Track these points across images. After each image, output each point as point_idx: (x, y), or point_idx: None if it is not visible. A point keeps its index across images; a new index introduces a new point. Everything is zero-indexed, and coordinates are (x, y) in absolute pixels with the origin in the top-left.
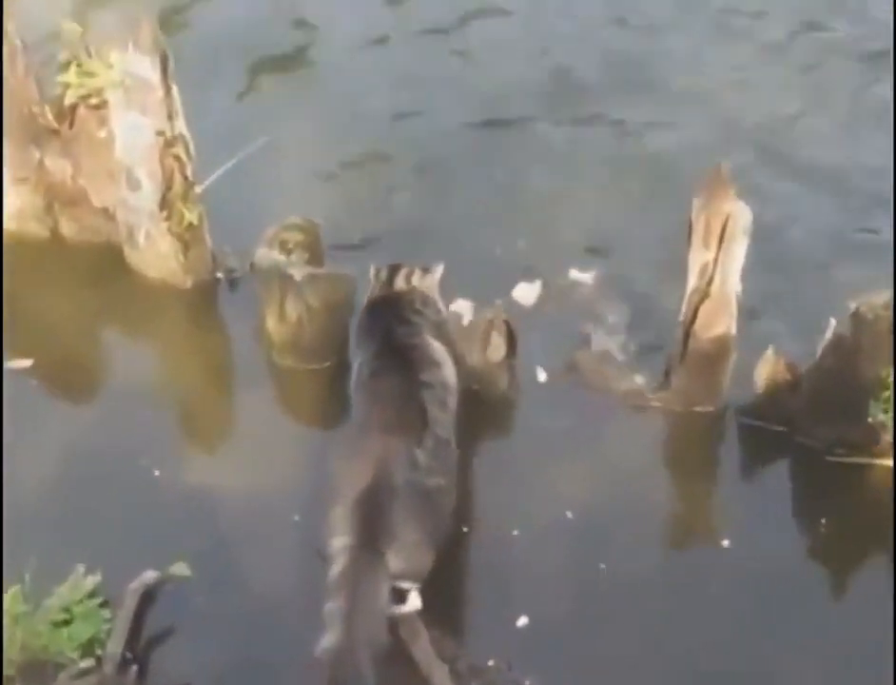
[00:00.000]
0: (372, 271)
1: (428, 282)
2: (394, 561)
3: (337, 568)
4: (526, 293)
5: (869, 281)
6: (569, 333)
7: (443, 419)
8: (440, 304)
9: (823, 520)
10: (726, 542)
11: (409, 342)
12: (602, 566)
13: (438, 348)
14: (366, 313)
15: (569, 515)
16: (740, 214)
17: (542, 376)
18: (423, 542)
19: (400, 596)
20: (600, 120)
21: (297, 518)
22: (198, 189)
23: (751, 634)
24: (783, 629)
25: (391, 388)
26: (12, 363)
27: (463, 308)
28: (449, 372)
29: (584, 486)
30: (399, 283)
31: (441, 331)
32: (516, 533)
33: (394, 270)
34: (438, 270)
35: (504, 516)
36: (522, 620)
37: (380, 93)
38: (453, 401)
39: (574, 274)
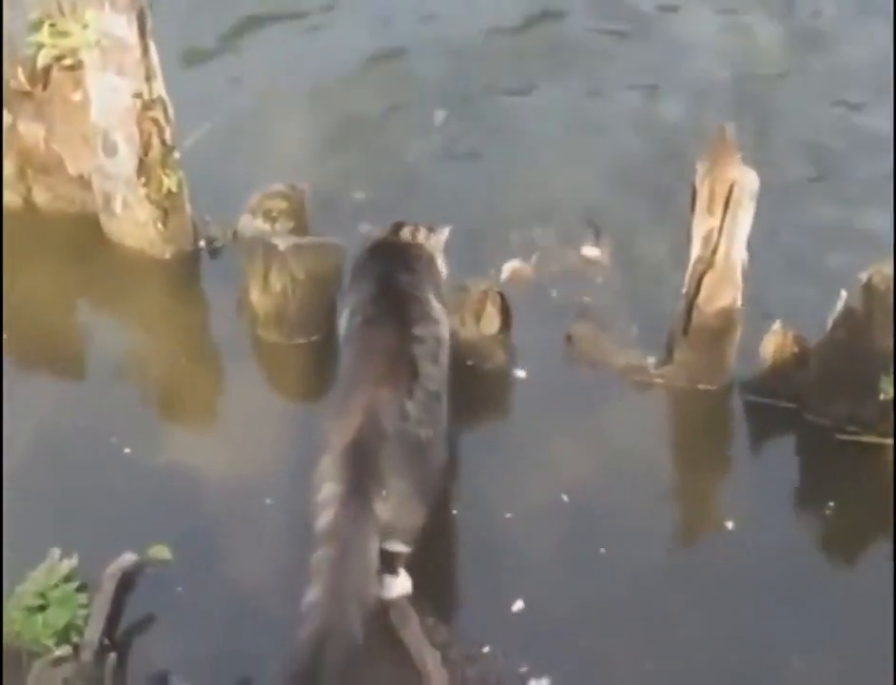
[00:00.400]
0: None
1: (433, 242)
2: (382, 510)
3: (324, 518)
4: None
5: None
6: (568, 307)
7: (434, 373)
8: (444, 267)
9: (830, 504)
10: (730, 524)
11: (410, 292)
12: (602, 550)
13: (437, 307)
14: (367, 255)
15: (565, 497)
16: (746, 180)
17: (521, 373)
18: (413, 493)
19: (390, 561)
20: (597, 86)
21: (279, 499)
22: (177, 155)
23: (756, 619)
24: (788, 614)
25: (382, 340)
26: None
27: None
28: (444, 330)
29: (582, 467)
30: (405, 236)
31: (440, 294)
32: (509, 515)
33: (398, 226)
34: (445, 232)
35: (498, 497)
36: (518, 605)
37: (366, 46)
38: (445, 357)
39: (586, 250)
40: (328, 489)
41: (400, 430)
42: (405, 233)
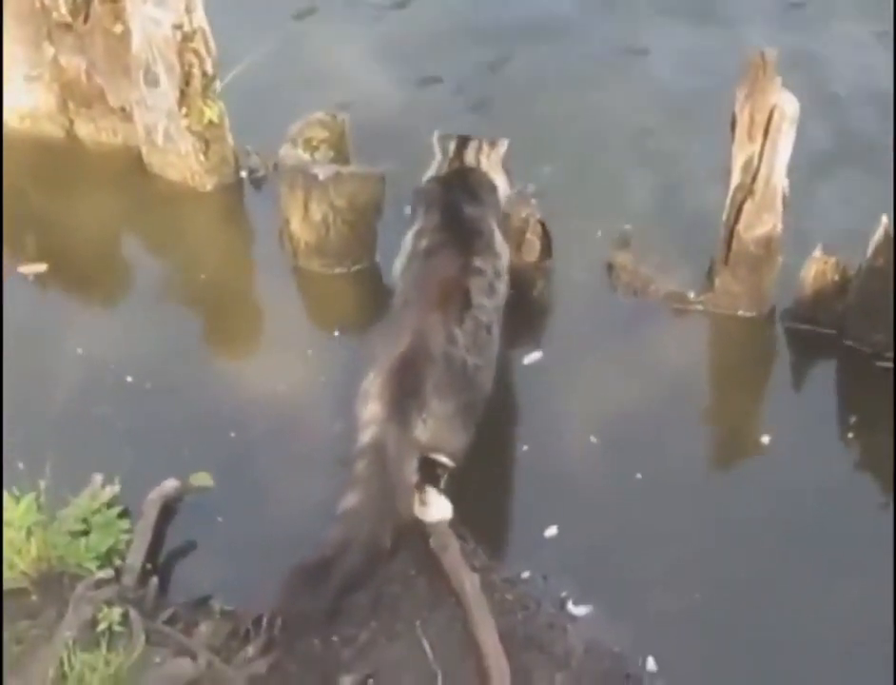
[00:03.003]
0: (436, 138)
1: (494, 157)
2: (422, 431)
3: (366, 434)
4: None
5: None
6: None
7: (487, 306)
8: (506, 183)
9: (868, 428)
10: (766, 439)
11: (475, 226)
12: (638, 475)
13: (499, 238)
14: (436, 183)
15: (603, 424)
16: (787, 105)
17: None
18: (454, 417)
19: (433, 471)
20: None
21: (319, 428)
22: (218, 86)
23: (793, 542)
24: (826, 538)
25: (441, 268)
26: (26, 268)
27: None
28: (504, 262)
29: (622, 393)
30: (469, 157)
31: (500, 221)
32: (547, 441)
33: (463, 143)
34: (504, 144)
35: (537, 424)
36: (551, 531)
37: None
38: (502, 288)
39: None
40: (371, 407)
41: (447, 354)
42: (470, 154)
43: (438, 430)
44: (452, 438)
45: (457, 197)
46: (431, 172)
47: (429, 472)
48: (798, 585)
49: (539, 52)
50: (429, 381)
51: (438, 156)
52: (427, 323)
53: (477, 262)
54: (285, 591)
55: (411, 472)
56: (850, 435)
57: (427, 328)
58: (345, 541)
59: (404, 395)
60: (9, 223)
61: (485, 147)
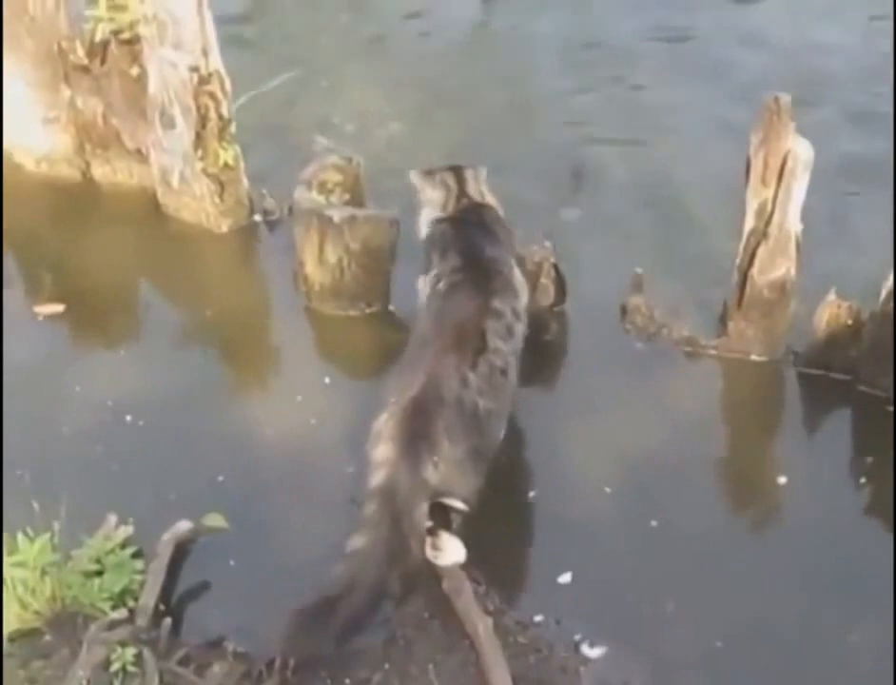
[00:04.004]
0: (416, 176)
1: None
2: (433, 474)
3: (377, 477)
4: None
5: None
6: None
7: (503, 349)
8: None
9: (883, 473)
10: (782, 479)
11: (495, 267)
12: (653, 523)
13: (519, 277)
14: (448, 224)
15: (617, 470)
16: (801, 150)
17: None
18: (465, 461)
19: (446, 516)
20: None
21: (333, 470)
22: (233, 128)
23: (809, 585)
24: (843, 580)
25: (459, 309)
26: (43, 309)
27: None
28: (523, 300)
29: (635, 439)
30: (471, 189)
31: (517, 258)
32: (560, 487)
33: (459, 174)
34: (483, 172)
35: (550, 469)
36: (565, 577)
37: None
38: (521, 329)
39: None
40: (382, 449)
41: (459, 398)
42: (471, 186)
43: (448, 473)
44: (462, 481)
45: (476, 238)
46: (436, 212)
47: (442, 516)
48: (814, 628)
49: (548, 98)
50: (440, 425)
51: (432, 194)
52: (441, 367)
53: (496, 303)
54: (288, 629)
55: (421, 515)
56: (863, 479)
57: (440, 372)
58: (351, 581)
59: (416, 437)
60: (26, 264)
61: (477, 174)
